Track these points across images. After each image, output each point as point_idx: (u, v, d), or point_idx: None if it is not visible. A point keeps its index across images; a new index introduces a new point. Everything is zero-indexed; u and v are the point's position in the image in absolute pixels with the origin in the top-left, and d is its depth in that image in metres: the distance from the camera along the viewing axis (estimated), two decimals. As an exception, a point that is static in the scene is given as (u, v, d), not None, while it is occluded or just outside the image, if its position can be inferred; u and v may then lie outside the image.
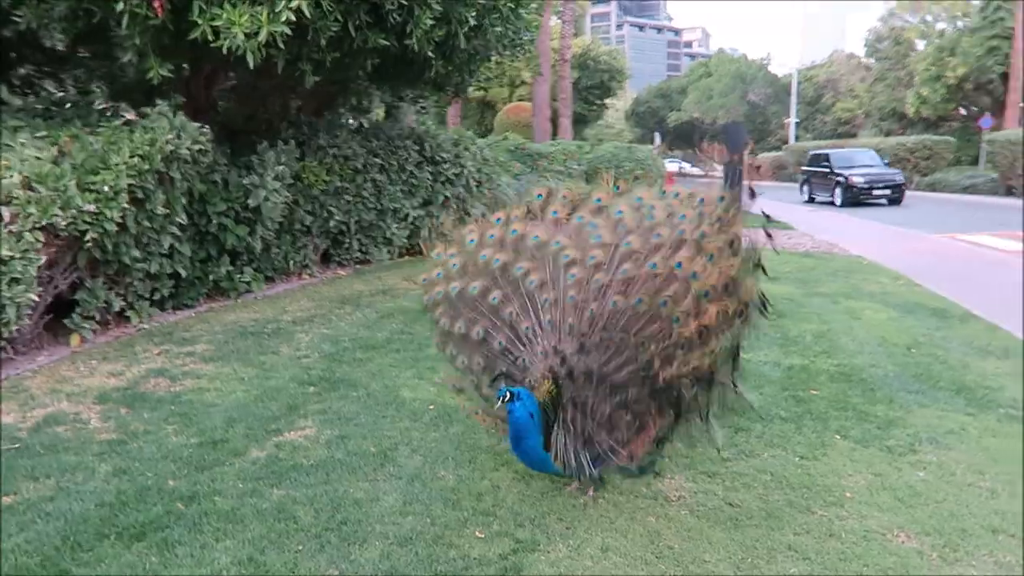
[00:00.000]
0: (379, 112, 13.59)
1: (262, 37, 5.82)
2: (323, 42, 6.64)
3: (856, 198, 22.75)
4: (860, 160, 24.86)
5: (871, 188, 22.95)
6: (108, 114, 7.48)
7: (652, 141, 40.90)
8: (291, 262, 9.07)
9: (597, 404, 3.25)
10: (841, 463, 4.02)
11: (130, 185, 6.10)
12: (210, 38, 6.01)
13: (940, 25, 42.24)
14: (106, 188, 5.84)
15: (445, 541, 3.18)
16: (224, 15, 5.80)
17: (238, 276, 7.99)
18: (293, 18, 5.91)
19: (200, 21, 5.97)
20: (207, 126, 7.08)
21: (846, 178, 23.17)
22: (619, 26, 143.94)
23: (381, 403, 4.81)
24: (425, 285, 4.01)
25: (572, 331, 3.30)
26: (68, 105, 8.05)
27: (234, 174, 7.75)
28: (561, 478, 3.57)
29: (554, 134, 28.27)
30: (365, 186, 9.76)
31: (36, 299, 5.54)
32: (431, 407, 4.74)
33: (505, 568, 2.98)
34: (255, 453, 4.03)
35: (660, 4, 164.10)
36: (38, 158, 5.71)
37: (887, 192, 23.09)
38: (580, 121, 46.15)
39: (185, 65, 7.52)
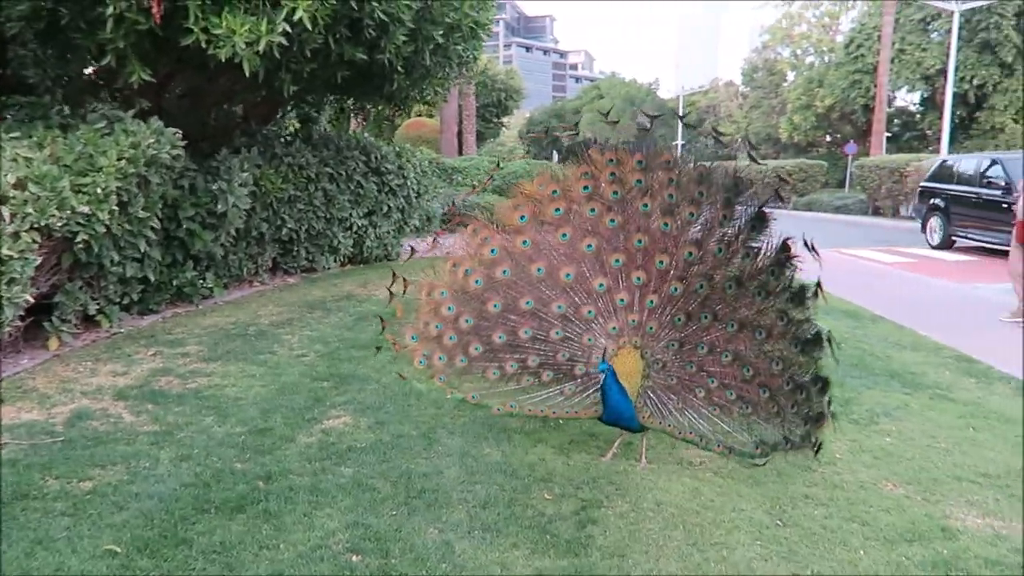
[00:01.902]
0: (292, 123, 13.60)
1: (261, 47, 6.01)
2: (307, 53, 6.86)
3: None
4: None
5: None
6: (64, 116, 7.36)
7: (550, 158, 42.15)
8: (245, 269, 9.10)
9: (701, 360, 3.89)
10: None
11: (117, 188, 6.10)
12: (204, 45, 6.13)
13: (809, 58, 45.97)
14: (98, 190, 5.84)
15: (520, 503, 3.57)
16: (224, 24, 5.94)
17: (200, 281, 7.99)
18: (289, 29, 6.13)
19: (195, 28, 6.07)
20: (179, 131, 7.11)
21: None
22: (507, 46, 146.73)
23: (399, 394, 5.11)
24: (415, 347, 4.17)
25: (656, 309, 3.90)
26: (17, 107, 7.84)
27: (201, 180, 7.77)
28: (632, 432, 4.05)
29: (460, 151, 28.79)
30: (316, 195, 9.89)
31: (31, 300, 5.47)
32: (448, 396, 5.06)
33: (581, 521, 3.41)
34: (304, 439, 4.27)
35: (546, 26, 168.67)
36: (28, 159, 5.64)
37: None
38: (479, 138, 46.89)
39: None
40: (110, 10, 6.03)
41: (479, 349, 4.06)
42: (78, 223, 5.72)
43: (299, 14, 5.90)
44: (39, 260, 5.51)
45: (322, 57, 7.32)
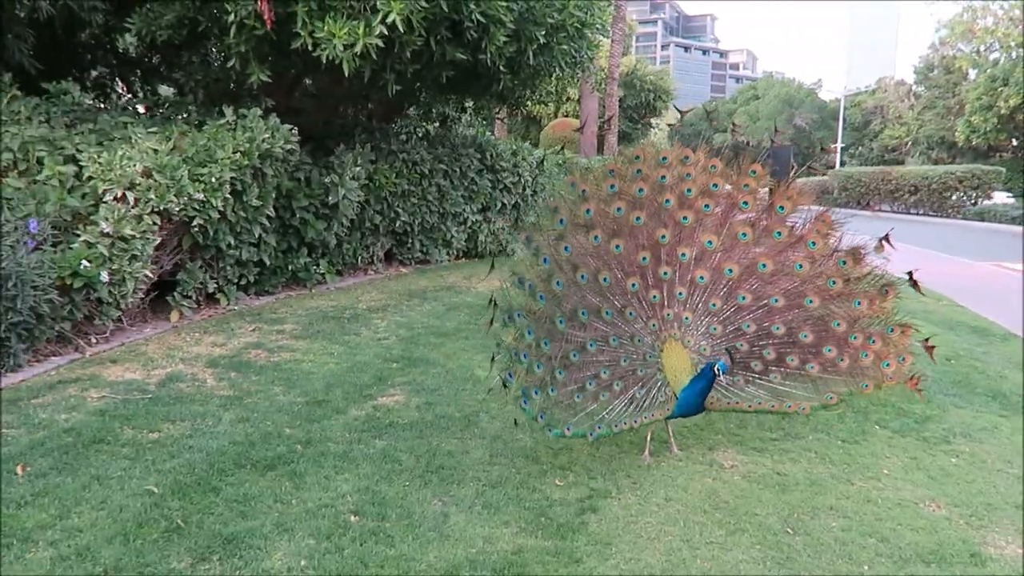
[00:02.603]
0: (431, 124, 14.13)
1: (358, 48, 6.43)
2: (407, 54, 7.24)
3: None
4: None
5: None
6: (202, 113, 8.19)
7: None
8: (359, 258, 9.70)
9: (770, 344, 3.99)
10: (880, 447, 4.44)
11: (231, 178, 6.74)
12: (310, 48, 6.64)
13: (993, 55, 41.94)
14: (213, 179, 6.49)
15: (529, 486, 3.68)
16: (325, 28, 6.43)
17: (314, 267, 8.63)
18: (386, 32, 6.51)
19: (302, 33, 6.60)
20: (295, 128, 7.73)
21: None
22: (664, 47, 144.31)
23: (459, 379, 5.34)
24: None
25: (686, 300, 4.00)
26: (168, 105, 8.81)
27: (316, 173, 8.40)
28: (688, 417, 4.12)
29: (600, 150, 28.78)
30: (430, 190, 10.37)
31: (150, 275, 6.19)
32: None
33: (583, 508, 3.48)
34: (355, 412, 4.59)
35: (707, 26, 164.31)
36: (155, 150, 6.38)
37: None
38: (624, 139, 46.70)
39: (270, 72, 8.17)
40: (231, 17, 6.68)
41: (561, 373, 3.97)
42: (194, 208, 6.40)
43: (392, 17, 6.26)
44: (159, 240, 6.22)
45: (425, 58, 7.69)
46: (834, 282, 3.88)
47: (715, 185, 4.00)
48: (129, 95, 10.55)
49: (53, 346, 5.63)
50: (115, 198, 5.89)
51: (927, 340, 3.98)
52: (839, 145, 43.31)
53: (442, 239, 10.95)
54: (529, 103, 11.73)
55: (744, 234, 3.95)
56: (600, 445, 4.24)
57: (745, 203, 4.01)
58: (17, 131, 6.43)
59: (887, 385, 3.95)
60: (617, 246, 4.04)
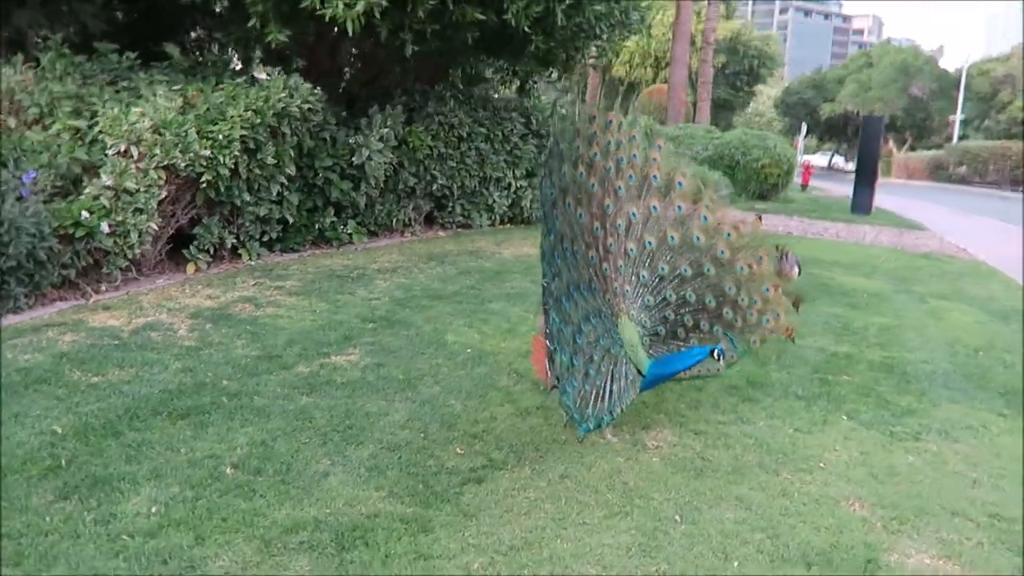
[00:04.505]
0: (509, 88, 13.96)
1: (360, 7, 6.43)
2: (422, 14, 7.17)
3: None
4: None
5: None
6: (238, 72, 8.42)
7: (799, 132, 39.32)
8: (394, 219, 9.77)
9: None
10: (833, 440, 4.13)
11: (242, 136, 6.90)
12: (317, 7, 6.69)
13: None
14: (220, 137, 6.67)
15: (428, 452, 3.64)
16: (330, -13, 6.46)
17: (342, 227, 8.78)
18: (390, -9, 6.47)
19: (310, -8, 6.65)
20: (318, 88, 7.82)
21: None
22: (783, 11, 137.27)
23: (425, 342, 5.33)
24: None
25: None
26: (210, 64, 9.09)
27: (342, 133, 8.49)
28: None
29: (693, 119, 27.83)
30: (469, 154, 10.31)
31: (156, 228, 6.45)
32: (468, 350, 5.21)
33: (469, 479, 3.40)
34: (301, 368, 4.66)
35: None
36: (167, 108, 6.61)
37: None
38: (726, 107, 45.00)
39: (307, 33, 8.27)
40: (246, -23, 6.80)
41: (577, 361, 3.73)
42: (201, 164, 6.60)
43: (389, -24, 6.21)
44: (164, 194, 6.46)
45: (446, 18, 7.59)
46: (723, 252, 4.05)
47: (635, 155, 3.90)
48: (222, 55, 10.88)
49: (61, 291, 5.98)
50: (118, 152, 6.16)
51: (796, 297, 4.39)
52: (958, 117, 40.05)
53: (484, 203, 10.90)
54: (612, 66, 11.43)
55: (655, 207, 3.96)
56: (529, 416, 4.15)
57: (655, 177, 3.99)
58: (46, 87, 6.81)
59: (771, 337, 4.30)
60: (580, 215, 3.87)
